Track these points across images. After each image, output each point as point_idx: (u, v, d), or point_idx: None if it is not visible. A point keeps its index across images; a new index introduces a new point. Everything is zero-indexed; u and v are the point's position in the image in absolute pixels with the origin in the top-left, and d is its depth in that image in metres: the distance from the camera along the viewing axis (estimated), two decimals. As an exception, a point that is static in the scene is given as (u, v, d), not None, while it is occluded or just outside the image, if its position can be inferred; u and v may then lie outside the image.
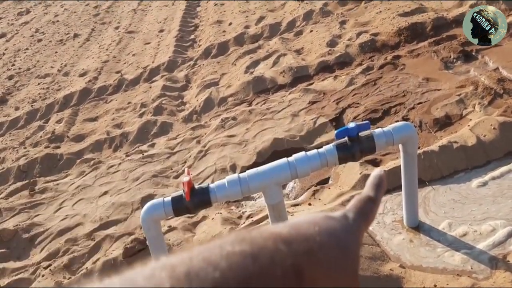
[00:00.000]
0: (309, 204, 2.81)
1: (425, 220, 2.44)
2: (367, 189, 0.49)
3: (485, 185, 2.56)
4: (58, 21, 10.26)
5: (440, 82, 3.75)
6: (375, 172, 0.52)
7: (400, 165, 2.34)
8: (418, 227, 2.44)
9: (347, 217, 0.44)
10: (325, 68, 4.71)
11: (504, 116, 2.92)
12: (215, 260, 0.32)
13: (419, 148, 2.91)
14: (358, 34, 5.10)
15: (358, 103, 3.81)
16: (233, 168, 3.51)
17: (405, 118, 3.37)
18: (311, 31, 5.73)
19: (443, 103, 3.41)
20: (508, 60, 3.64)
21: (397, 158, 2.95)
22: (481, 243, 2.21)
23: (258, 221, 2.75)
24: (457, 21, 4.68)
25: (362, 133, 2.11)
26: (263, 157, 3.48)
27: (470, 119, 3.12)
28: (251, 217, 2.87)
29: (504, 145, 2.74)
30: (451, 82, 3.68)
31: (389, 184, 2.75)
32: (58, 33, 9.41)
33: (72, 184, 4.09)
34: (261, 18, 6.81)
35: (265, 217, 2.67)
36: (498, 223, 2.29)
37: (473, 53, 3.96)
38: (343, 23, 5.64)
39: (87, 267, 2.86)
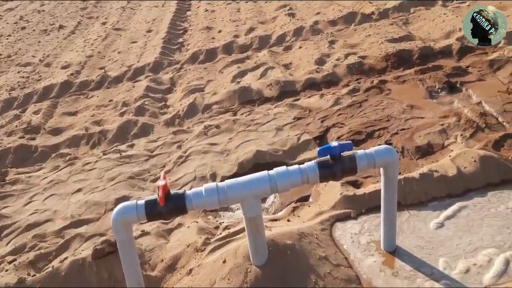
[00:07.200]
0: (288, 220, 2.79)
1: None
2: None
3: (442, 226, 2.57)
4: (44, 10, 10.07)
5: (424, 110, 3.81)
6: None
7: (380, 189, 2.35)
8: (394, 251, 2.44)
9: None
10: (312, 85, 4.73)
11: (485, 150, 2.98)
12: None
13: (400, 173, 2.94)
14: (347, 55, 5.16)
15: (342, 123, 3.83)
16: (213, 177, 3.47)
17: (388, 143, 3.41)
18: (300, 47, 5.77)
19: (426, 132, 3.46)
20: (491, 95, 3.73)
21: (377, 181, 2.97)
22: (486, 275, 2.22)
23: (235, 233, 2.71)
24: (443, 52, 4.80)
25: (345, 153, 2.11)
26: (244, 169, 3.45)
27: (452, 150, 3.17)
28: (228, 229, 2.83)
29: (483, 177, 2.79)
30: (434, 111, 3.75)
31: (368, 205, 2.76)
32: (43, 22, 9.21)
33: (45, 178, 3.96)
34: (251, 29, 6.83)
35: (242, 230, 2.63)
36: (491, 252, 2.32)
37: (458, 85, 4.05)
38: (332, 42, 5.70)
39: (53, 266, 2.75)
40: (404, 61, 4.82)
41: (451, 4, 6.15)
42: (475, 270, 2.25)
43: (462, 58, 4.64)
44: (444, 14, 5.68)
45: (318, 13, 6.96)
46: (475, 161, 2.86)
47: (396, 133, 3.56)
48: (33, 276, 2.74)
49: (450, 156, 3.01)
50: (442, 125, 3.48)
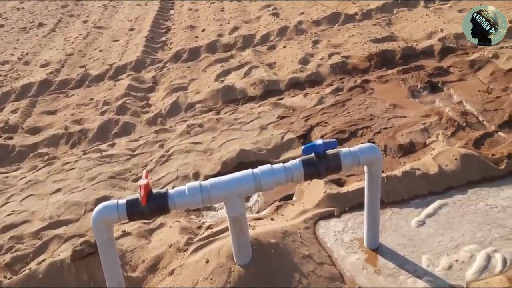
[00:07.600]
0: (272, 219, 2.77)
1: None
2: None
3: (424, 224, 2.58)
4: (23, 8, 9.87)
5: (406, 109, 3.83)
6: None
7: (363, 187, 2.34)
8: (377, 249, 2.44)
9: None
10: (296, 84, 4.73)
11: (466, 148, 3.01)
12: None
13: (383, 172, 2.94)
14: (330, 55, 5.17)
15: (326, 122, 3.83)
16: (196, 176, 3.43)
17: (371, 141, 3.41)
18: (284, 46, 5.77)
19: (408, 130, 3.48)
20: (471, 94, 3.77)
21: (361, 180, 2.97)
22: (469, 271, 2.24)
23: (218, 233, 2.67)
24: (425, 53, 4.84)
25: (329, 151, 2.10)
26: (228, 168, 3.42)
27: (433, 148, 3.20)
28: (211, 228, 2.80)
29: (464, 175, 2.82)
30: (416, 110, 3.77)
31: (352, 203, 2.76)
32: (22, 20, 9.03)
33: (23, 178, 3.86)
34: (235, 28, 6.80)
35: (226, 229, 2.60)
36: (472, 248, 2.35)
37: (439, 85, 4.09)
38: (316, 42, 5.71)
39: (30, 268, 2.68)
40: (387, 61, 4.85)
41: (433, 5, 6.22)
42: (458, 266, 2.27)
43: (443, 59, 4.70)
44: (426, 15, 5.74)
45: (302, 13, 6.97)
46: (456, 159, 2.88)
47: (379, 132, 3.57)
48: (9, 278, 2.66)
49: (431, 154, 3.04)
50: (424, 124, 3.51)
